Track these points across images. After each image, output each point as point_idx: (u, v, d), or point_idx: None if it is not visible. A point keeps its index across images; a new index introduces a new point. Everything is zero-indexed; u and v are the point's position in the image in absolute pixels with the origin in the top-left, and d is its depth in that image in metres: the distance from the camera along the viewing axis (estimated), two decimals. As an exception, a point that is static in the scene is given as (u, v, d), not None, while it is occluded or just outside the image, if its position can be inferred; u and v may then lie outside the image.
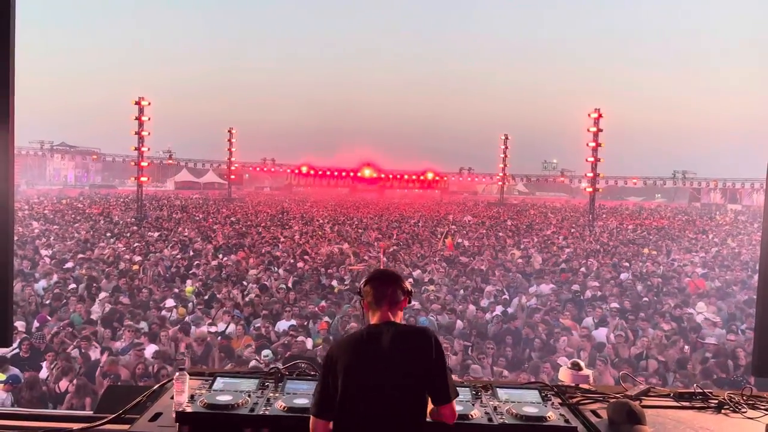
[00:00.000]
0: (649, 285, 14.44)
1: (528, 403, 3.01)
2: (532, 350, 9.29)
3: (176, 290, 12.51)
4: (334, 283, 13.83)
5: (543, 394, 3.16)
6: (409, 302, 2.80)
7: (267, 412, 2.80)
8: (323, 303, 11.66)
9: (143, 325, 9.71)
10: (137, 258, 16.45)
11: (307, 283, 13.72)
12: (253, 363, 7.87)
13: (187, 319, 10.44)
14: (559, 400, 3.15)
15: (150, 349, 8.55)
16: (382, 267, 15.44)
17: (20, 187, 50.89)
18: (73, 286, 12.60)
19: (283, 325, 10.06)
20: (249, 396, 2.96)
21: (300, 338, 9.12)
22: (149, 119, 30.73)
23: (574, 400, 3.22)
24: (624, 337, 9.57)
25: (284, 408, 2.81)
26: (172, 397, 2.92)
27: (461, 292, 13.24)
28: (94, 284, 12.70)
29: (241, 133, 54.49)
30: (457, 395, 2.63)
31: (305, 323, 10.18)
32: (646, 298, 12.91)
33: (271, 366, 3.43)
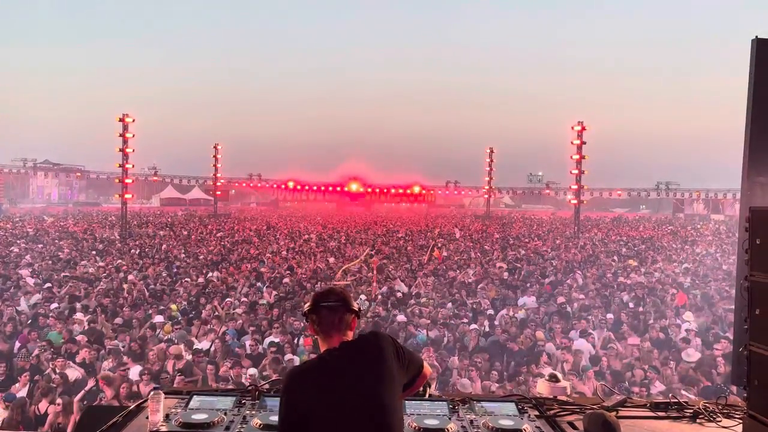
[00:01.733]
0: (634, 296, 14.53)
1: (504, 415, 3.02)
2: (512, 361, 9.30)
3: (161, 307, 12.39)
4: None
5: (520, 407, 3.16)
6: (359, 318, 2.65)
7: (242, 430, 2.77)
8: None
9: (122, 344, 9.60)
10: (121, 276, 16.28)
11: (292, 299, 13.63)
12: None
13: (172, 336, 10.34)
14: (536, 413, 3.16)
15: (135, 369, 8.45)
16: (374, 282, 15.45)
17: (2, 206, 50.31)
18: (55, 305, 12.44)
19: (272, 341, 9.98)
20: (225, 414, 2.93)
21: (288, 356, 9.06)
22: (134, 136, 30.55)
23: (552, 412, 3.23)
24: (614, 350, 9.61)
25: (260, 425, 2.79)
26: (147, 417, 2.90)
27: (449, 305, 13.22)
28: (77, 303, 12.55)
29: (227, 149, 54.34)
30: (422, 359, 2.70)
31: (293, 340, 10.11)
32: (631, 309, 12.98)
33: (249, 383, 3.41)
